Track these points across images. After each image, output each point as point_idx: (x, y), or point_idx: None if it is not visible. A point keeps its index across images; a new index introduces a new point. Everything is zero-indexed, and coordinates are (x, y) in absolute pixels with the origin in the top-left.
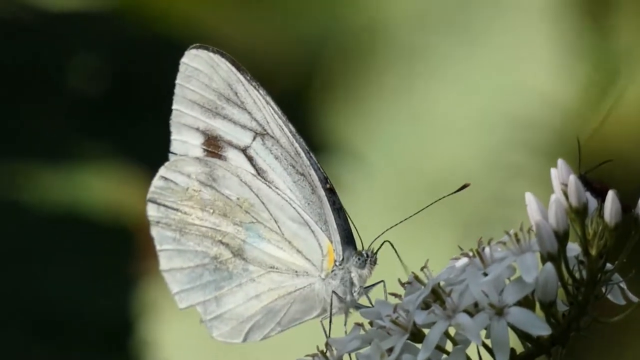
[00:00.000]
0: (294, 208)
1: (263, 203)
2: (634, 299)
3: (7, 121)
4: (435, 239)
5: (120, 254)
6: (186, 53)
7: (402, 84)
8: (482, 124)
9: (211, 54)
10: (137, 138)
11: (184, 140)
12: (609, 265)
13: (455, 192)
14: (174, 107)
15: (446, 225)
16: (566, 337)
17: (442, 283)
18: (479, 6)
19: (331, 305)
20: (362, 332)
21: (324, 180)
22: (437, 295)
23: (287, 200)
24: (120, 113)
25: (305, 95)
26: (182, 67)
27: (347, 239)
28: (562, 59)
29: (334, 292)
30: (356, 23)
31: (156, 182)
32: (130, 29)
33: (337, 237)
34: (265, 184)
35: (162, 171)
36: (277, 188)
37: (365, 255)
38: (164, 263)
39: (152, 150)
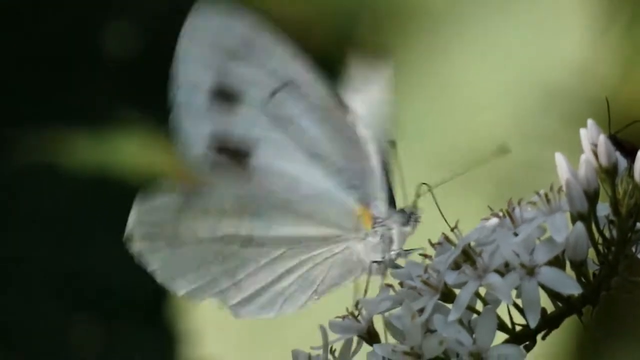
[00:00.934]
0: (312, 179)
1: (264, 194)
2: None
3: (44, 86)
4: (467, 204)
5: None
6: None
7: (434, 53)
8: (514, 93)
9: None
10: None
11: (193, 74)
12: (639, 225)
13: (493, 156)
14: (184, 41)
15: (478, 191)
16: (597, 297)
17: (472, 243)
18: None
19: (370, 269)
20: (392, 293)
21: (374, 138)
22: (467, 256)
23: (305, 169)
24: (153, 78)
25: (339, 63)
26: (193, 14)
27: (389, 198)
28: (593, 28)
29: (372, 260)
30: None
31: (134, 217)
32: None
33: (382, 194)
34: (287, 136)
35: (137, 205)
36: (300, 142)
37: (408, 212)
38: (159, 276)
39: None
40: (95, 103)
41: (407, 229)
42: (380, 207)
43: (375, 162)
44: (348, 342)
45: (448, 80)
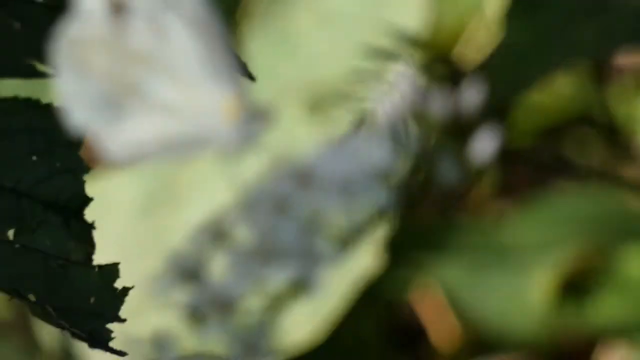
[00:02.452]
0: (193, 62)
1: (160, 51)
2: (461, 175)
3: None
4: None
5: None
6: None
7: (284, 9)
8: (343, 49)
9: None
10: None
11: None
12: (438, 147)
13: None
14: None
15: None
16: (403, 205)
17: (304, 163)
18: None
19: None
20: None
21: (228, 34)
22: (301, 174)
23: (185, 55)
24: None
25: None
26: None
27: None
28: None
29: None
30: None
31: (62, 26)
32: None
33: (239, 89)
34: (163, 40)
35: (63, 25)
36: (179, 35)
37: (265, 107)
38: (63, 88)
39: None
40: None
41: (263, 122)
42: (239, 99)
43: (235, 61)
44: (206, 243)
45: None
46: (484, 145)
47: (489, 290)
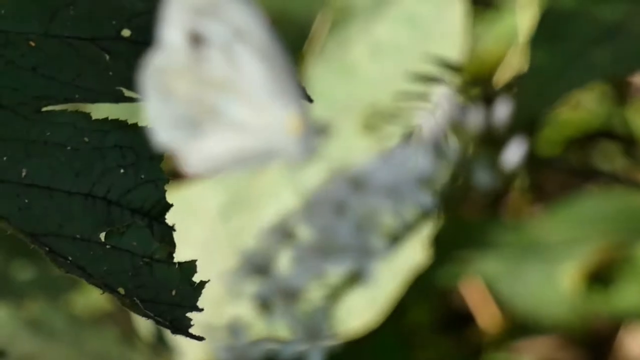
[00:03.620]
0: (262, 87)
1: (232, 80)
2: (492, 180)
3: (74, 65)
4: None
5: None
6: None
7: (346, 41)
8: (393, 76)
9: None
10: None
11: (169, 35)
12: (474, 157)
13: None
14: (166, 13)
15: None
16: (444, 208)
17: (359, 173)
18: None
19: None
20: None
21: (293, 63)
22: (356, 182)
23: (255, 80)
24: None
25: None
26: None
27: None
28: (463, 32)
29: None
30: None
31: (147, 59)
32: None
33: (302, 109)
34: (236, 69)
35: (151, 55)
36: (249, 69)
37: (324, 124)
38: (149, 111)
39: None
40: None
41: (323, 135)
42: (302, 119)
43: (298, 88)
44: (274, 242)
45: (355, 67)
46: (514, 154)
47: (525, 281)
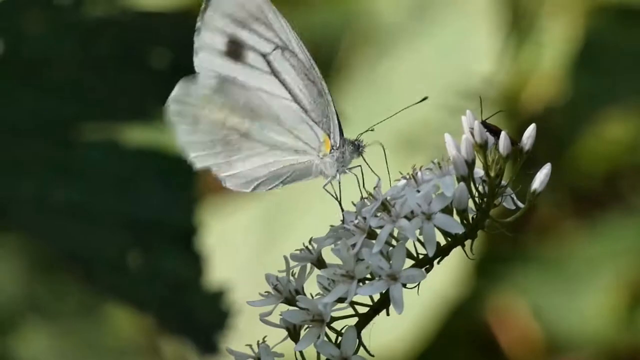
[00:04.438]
0: (294, 110)
1: (267, 105)
2: (521, 205)
3: (108, 93)
4: (393, 168)
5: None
6: None
7: (377, 62)
8: (435, 96)
9: None
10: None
11: (211, 38)
12: (503, 183)
13: (414, 103)
14: (207, 13)
15: (403, 160)
16: (474, 233)
17: (388, 198)
18: (436, 1)
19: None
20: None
21: (328, 90)
22: (385, 207)
23: (289, 103)
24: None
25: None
26: None
27: (341, 133)
28: (496, 46)
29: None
30: (351, 15)
31: (177, 89)
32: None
33: (336, 129)
34: (279, 81)
35: (182, 82)
36: (287, 86)
37: (356, 143)
38: (182, 137)
39: None
40: (143, 105)
41: (355, 154)
42: (336, 138)
43: (332, 108)
44: (304, 268)
45: (388, 87)
46: (543, 177)
47: (562, 298)
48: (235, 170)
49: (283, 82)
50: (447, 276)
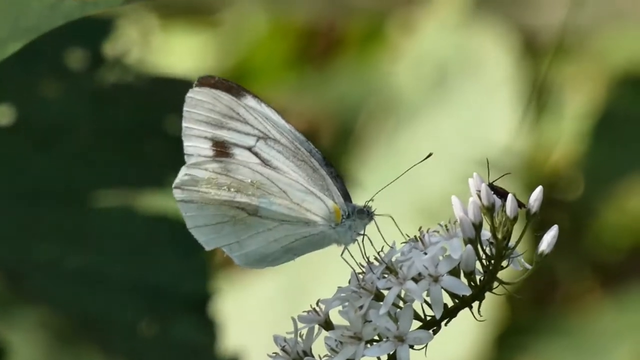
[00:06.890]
0: (300, 183)
1: (272, 182)
2: (528, 266)
3: (122, 160)
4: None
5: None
6: (190, 89)
7: (396, 133)
8: (454, 165)
9: (212, 90)
10: None
11: (195, 146)
12: (510, 245)
13: (421, 161)
14: (183, 124)
15: (413, 222)
16: (482, 295)
17: (395, 259)
18: (456, 74)
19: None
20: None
21: (323, 159)
22: (392, 269)
23: (292, 179)
24: None
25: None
26: (188, 100)
27: (346, 198)
28: (515, 117)
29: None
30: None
31: (181, 176)
32: None
33: (340, 199)
34: (272, 169)
35: (185, 169)
36: (282, 171)
37: (366, 210)
38: (189, 224)
39: None
40: (156, 171)
41: (365, 221)
42: (342, 207)
43: (329, 180)
44: (311, 329)
45: (406, 157)
46: (550, 239)
47: None
48: (246, 249)
49: (276, 169)
50: (466, 347)
